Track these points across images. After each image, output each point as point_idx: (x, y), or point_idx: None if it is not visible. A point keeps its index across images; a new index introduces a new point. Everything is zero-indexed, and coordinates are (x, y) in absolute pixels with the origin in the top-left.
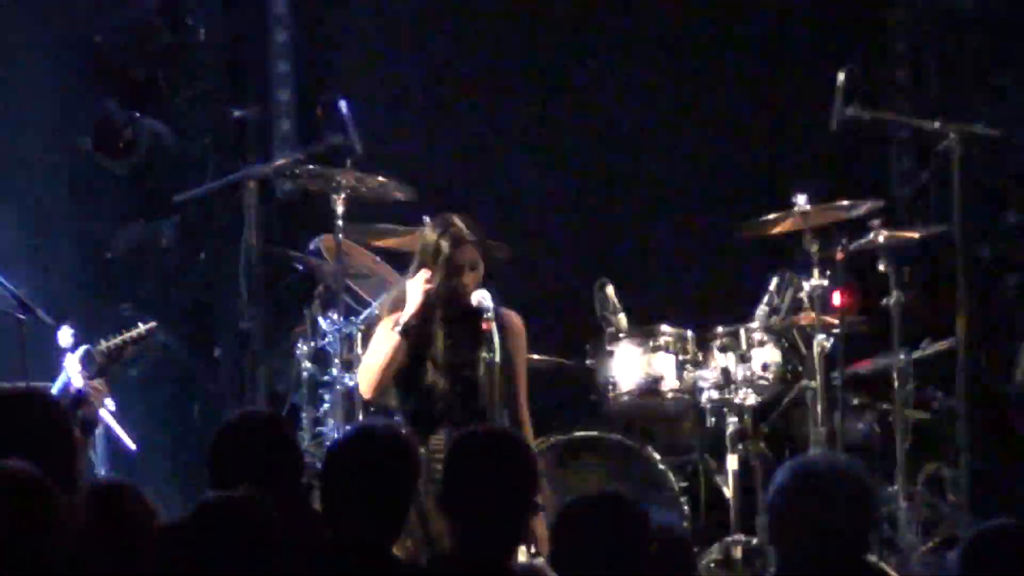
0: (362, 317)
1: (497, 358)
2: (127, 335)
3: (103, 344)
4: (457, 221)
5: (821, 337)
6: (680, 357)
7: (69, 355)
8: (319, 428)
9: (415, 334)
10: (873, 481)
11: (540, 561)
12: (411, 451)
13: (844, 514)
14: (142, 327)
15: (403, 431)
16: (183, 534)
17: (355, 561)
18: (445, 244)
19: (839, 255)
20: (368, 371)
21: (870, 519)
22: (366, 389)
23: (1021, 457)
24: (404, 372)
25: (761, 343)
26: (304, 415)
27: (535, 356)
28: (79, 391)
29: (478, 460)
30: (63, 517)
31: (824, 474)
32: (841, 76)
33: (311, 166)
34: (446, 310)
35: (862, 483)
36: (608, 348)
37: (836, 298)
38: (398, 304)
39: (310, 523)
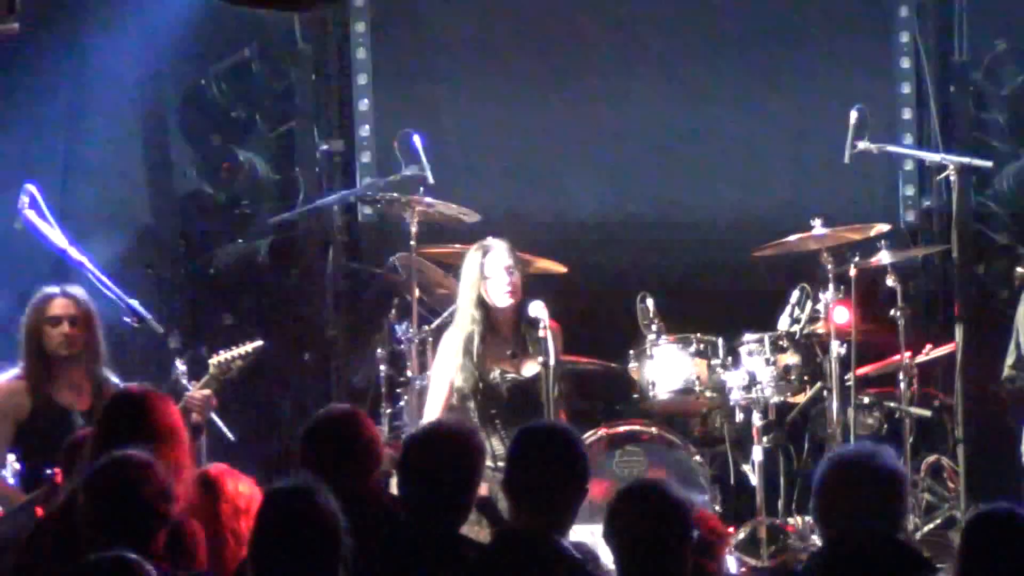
0: (433, 325)
1: (552, 361)
2: (237, 351)
3: (216, 358)
4: (490, 240)
5: (836, 344)
6: (712, 361)
7: (177, 359)
8: (396, 423)
9: (479, 344)
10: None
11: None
12: (477, 444)
13: (880, 497)
14: (250, 345)
15: (471, 427)
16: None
17: (427, 540)
18: (480, 256)
19: (851, 272)
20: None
21: (903, 502)
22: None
23: (1011, 449)
24: (472, 377)
25: (783, 349)
26: (382, 412)
27: (584, 360)
28: (186, 398)
29: (538, 451)
30: (172, 495)
31: (862, 463)
32: (854, 115)
33: (389, 193)
34: (505, 322)
35: (896, 471)
36: (648, 353)
37: (841, 314)
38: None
39: (387, 507)
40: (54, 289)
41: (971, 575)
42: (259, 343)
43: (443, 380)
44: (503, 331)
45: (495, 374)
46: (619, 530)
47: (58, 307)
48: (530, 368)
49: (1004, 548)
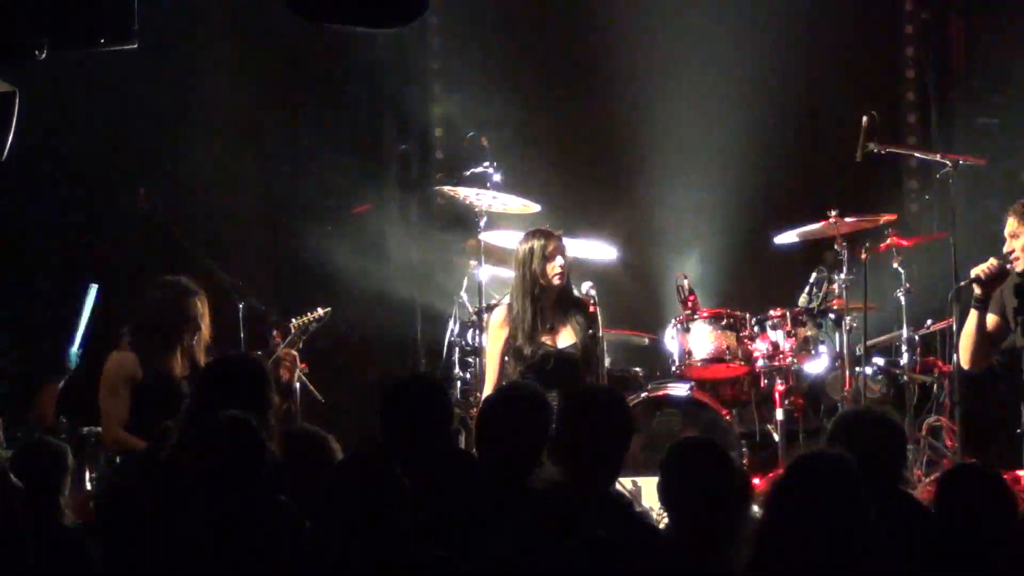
0: (493, 303)
1: (600, 333)
2: (312, 315)
3: (295, 320)
4: (547, 227)
5: (848, 318)
6: (740, 333)
7: (274, 330)
8: (465, 387)
9: (526, 319)
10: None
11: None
12: (546, 405)
13: (882, 452)
14: (321, 311)
15: (540, 391)
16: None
17: (498, 490)
18: (536, 243)
19: (863, 255)
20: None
21: (903, 456)
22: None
23: (1002, 411)
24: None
25: (803, 323)
26: (455, 376)
27: (628, 331)
28: (277, 358)
29: (590, 411)
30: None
31: (866, 422)
32: (865, 120)
33: (459, 186)
34: (550, 301)
35: (897, 428)
36: (685, 326)
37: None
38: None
39: (458, 460)
40: (189, 286)
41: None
42: (329, 309)
43: (495, 350)
44: (547, 308)
45: (535, 345)
46: (676, 481)
47: (194, 308)
48: (564, 339)
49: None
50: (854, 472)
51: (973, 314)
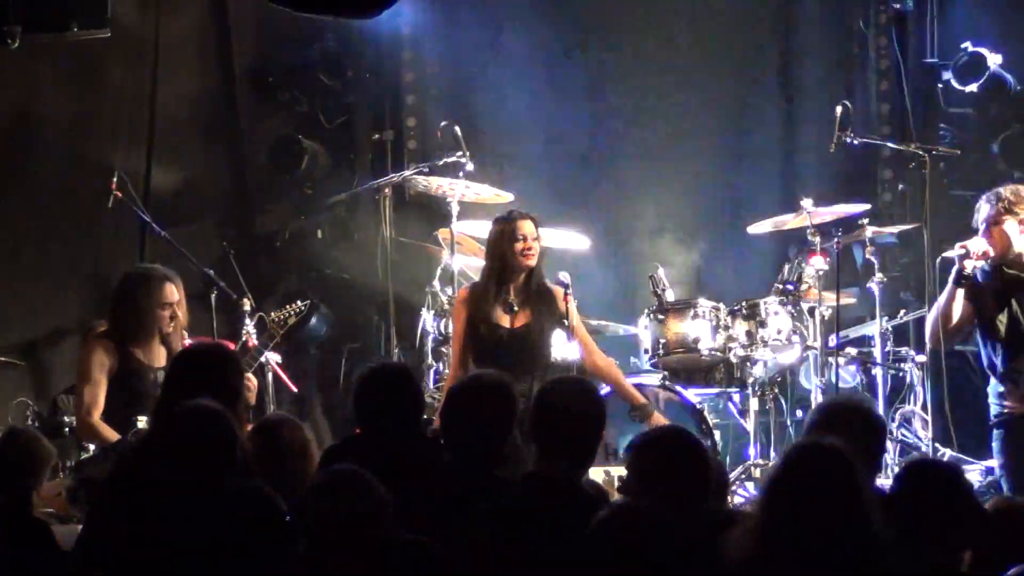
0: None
1: (574, 322)
2: (291, 309)
3: (273, 315)
4: (518, 210)
5: (821, 308)
6: (714, 323)
7: (247, 320)
8: (439, 376)
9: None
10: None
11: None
12: (511, 394)
13: (862, 442)
14: (300, 304)
15: (507, 379)
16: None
17: (466, 479)
18: (507, 224)
19: (836, 245)
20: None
21: (883, 446)
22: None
23: (973, 401)
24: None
25: (776, 313)
26: (427, 366)
27: (602, 321)
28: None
29: (563, 402)
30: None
31: (847, 412)
32: (839, 110)
33: (432, 176)
34: (516, 283)
35: (877, 418)
36: (659, 316)
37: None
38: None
39: (430, 449)
40: (165, 273)
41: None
42: (308, 302)
43: (457, 329)
44: (512, 290)
45: (491, 326)
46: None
47: (170, 294)
48: (521, 322)
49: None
50: (851, 461)
51: (948, 289)
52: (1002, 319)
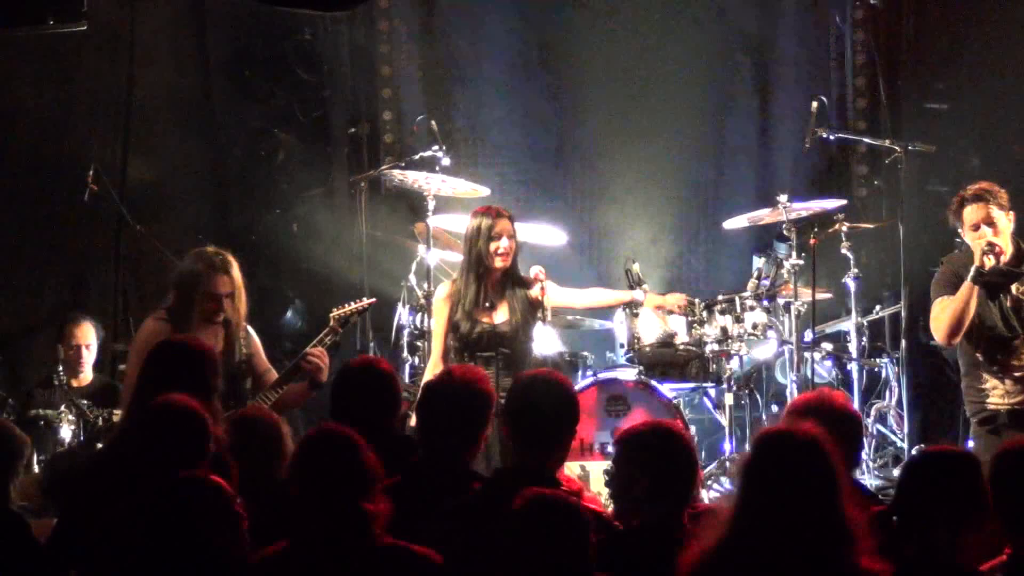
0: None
1: (549, 317)
2: (355, 306)
3: (336, 311)
4: (495, 207)
5: (797, 303)
6: (689, 318)
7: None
8: (415, 370)
9: (467, 297)
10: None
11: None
12: (486, 389)
13: (836, 438)
14: (366, 301)
15: (481, 374)
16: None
17: (441, 473)
18: (483, 221)
19: (812, 241)
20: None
21: (859, 442)
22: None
23: (948, 396)
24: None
25: (751, 308)
26: (403, 360)
27: (578, 316)
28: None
29: (538, 396)
30: (211, 433)
31: (820, 407)
32: (815, 105)
33: (408, 170)
34: (493, 280)
35: (853, 413)
36: (635, 311)
37: None
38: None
39: (405, 443)
40: (220, 263)
41: (908, 503)
42: (373, 300)
43: (439, 326)
44: (490, 286)
45: (472, 322)
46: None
47: (223, 286)
48: (501, 318)
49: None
50: (823, 446)
51: (967, 287)
52: (987, 315)
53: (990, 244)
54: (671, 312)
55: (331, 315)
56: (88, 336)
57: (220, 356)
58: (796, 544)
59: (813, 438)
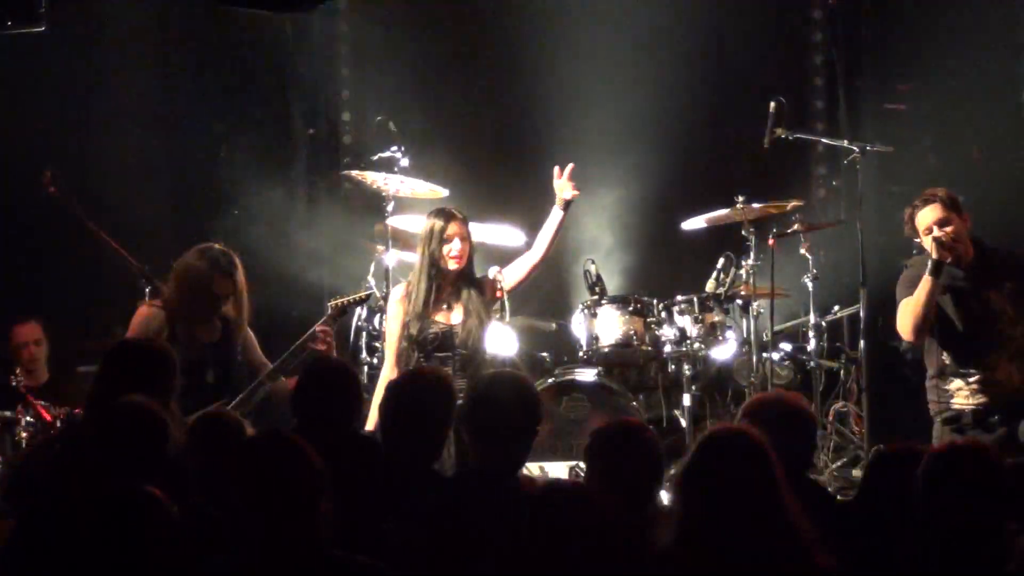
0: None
1: (507, 317)
2: (353, 296)
3: (334, 300)
4: (449, 208)
5: (755, 304)
6: (648, 318)
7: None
8: (373, 372)
9: (421, 298)
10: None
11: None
12: (450, 389)
13: (791, 438)
14: (363, 292)
15: (445, 374)
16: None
17: (403, 474)
18: (437, 223)
19: (770, 241)
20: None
21: (812, 442)
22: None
23: (908, 397)
24: (409, 326)
25: (710, 308)
26: (362, 361)
27: (536, 317)
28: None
29: (499, 396)
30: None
31: (776, 407)
32: (773, 105)
33: (367, 171)
34: (448, 281)
35: (807, 414)
36: (593, 311)
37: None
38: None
39: (366, 444)
40: (224, 263)
41: (869, 502)
42: (371, 291)
43: (394, 327)
44: (444, 287)
45: (424, 323)
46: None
47: (225, 289)
48: (456, 318)
49: (902, 480)
50: (762, 446)
51: (927, 281)
52: (951, 315)
53: (945, 235)
54: (572, 199)
55: (330, 304)
56: (35, 333)
57: (216, 348)
58: (737, 542)
59: (742, 434)
